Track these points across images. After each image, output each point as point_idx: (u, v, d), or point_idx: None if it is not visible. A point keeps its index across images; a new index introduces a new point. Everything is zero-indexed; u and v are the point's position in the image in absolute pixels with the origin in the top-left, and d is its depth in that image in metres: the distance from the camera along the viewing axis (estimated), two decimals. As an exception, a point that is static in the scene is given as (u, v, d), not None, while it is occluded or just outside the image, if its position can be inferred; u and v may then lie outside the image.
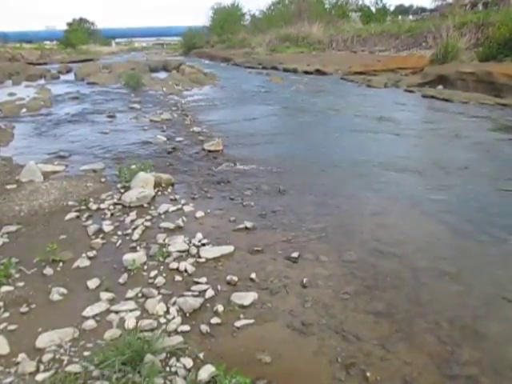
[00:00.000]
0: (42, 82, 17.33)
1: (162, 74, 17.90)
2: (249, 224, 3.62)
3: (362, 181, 4.84)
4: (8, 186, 4.64)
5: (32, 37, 50.26)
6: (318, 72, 16.65)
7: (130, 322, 2.30)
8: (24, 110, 9.95)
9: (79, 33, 50.67)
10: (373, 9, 32.55)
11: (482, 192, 4.44)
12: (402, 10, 35.33)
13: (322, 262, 3.03)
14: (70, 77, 18.65)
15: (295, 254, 3.10)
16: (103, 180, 4.86)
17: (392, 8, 33.63)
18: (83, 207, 4.06)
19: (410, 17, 30.36)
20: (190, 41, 40.60)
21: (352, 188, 4.61)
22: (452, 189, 4.51)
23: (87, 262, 3.06)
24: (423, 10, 31.26)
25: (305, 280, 2.76)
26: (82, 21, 55.20)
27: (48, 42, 52.99)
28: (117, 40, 65.60)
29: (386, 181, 4.80)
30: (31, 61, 29.52)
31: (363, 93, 11.93)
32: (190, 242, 3.29)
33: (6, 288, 2.70)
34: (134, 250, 3.23)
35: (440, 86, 11.75)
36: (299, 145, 6.70)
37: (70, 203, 4.15)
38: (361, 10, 33.33)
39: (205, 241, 3.32)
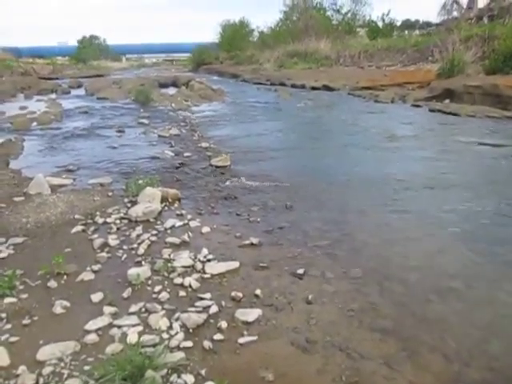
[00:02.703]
0: (53, 96, 17.58)
1: (172, 90, 18.09)
2: (255, 240, 3.61)
3: (369, 197, 4.82)
4: (16, 198, 4.68)
5: (44, 52, 51.21)
6: (326, 87, 16.75)
7: (132, 337, 2.29)
8: (35, 123, 10.09)
9: (90, 49, 51.62)
10: (380, 24, 32.78)
11: (492, 208, 4.39)
12: (409, 25, 35.54)
13: (327, 279, 3.00)
14: (81, 92, 18.94)
15: (301, 271, 3.08)
16: (110, 194, 4.89)
17: (398, 23, 33.82)
18: (89, 221, 4.08)
19: (417, 31, 30.52)
20: (199, 57, 41.13)
21: (359, 204, 4.59)
22: (464, 205, 4.46)
23: (92, 276, 3.06)
24: (429, 24, 31.43)
25: (310, 296, 2.74)
26: (92, 38, 56.24)
27: (60, 58, 53.93)
28: (127, 56, 66.67)
29: (395, 197, 4.77)
30: (43, 75, 30.09)
31: (370, 108, 11.96)
32: (196, 258, 3.28)
33: (9, 299, 2.70)
34: (138, 264, 3.23)
35: (447, 100, 11.75)
36: (307, 160, 6.70)
37: (77, 216, 4.18)
38: (368, 25, 33.59)
39: (210, 256, 3.31)
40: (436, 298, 2.76)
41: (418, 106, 11.78)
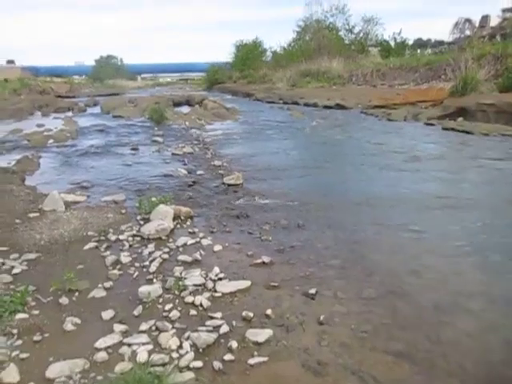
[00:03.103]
0: (69, 114, 17.93)
1: (186, 109, 18.31)
2: (266, 259, 3.59)
3: (383, 216, 4.77)
4: (31, 215, 4.75)
5: (62, 71, 52.33)
6: (339, 106, 16.78)
7: (142, 356, 2.27)
8: (51, 140, 10.29)
9: (107, 68, 52.66)
10: (392, 43, 32.96)
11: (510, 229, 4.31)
12: (421, 44, 35.61)
13: (339, 299, 2.96)
14: (97, 110, 19.26)
15: (313, 291, 3.04)
16: (123, 211, 4.93)
17: (410, 42, 33.97)
18: (102, 237, 4.11)
19: (429, 50, 30.58)
20: (213, 76, 41.63)
21: (373, 224, 4.53)
22: (482, 226, 4.39)
23: (103, 293, 3.07)
24: (441, 43, 31.49)
25: (322, 317, 2.70)
26: (109, 57, 57.48)
27: (77, 77, 55.12)
28: (143, 75, 67.78)
29: (410, 217, 4.70)
30: (60, 94, 30.73)
31: (383, 126, 11.94)
32: (207, 276, 3.28)
33: (21, 315, 2.72)
34: (150, 282, 3.23)
35: (460, 118, 11.68)
36: (320, 179, 6.69)
37: (90, 233, 4.21)
38: (380, 44, 33.79)
39: (221, 275, 3.29)
40: (452, 320, 2.70)
41: (431, 124, 11.72)
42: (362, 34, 34.31)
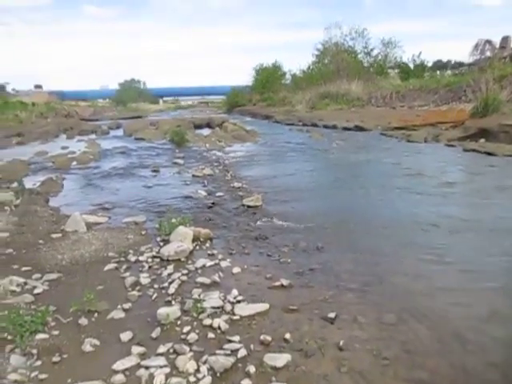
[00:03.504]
0: (93, 136, 18.38)
1: (206, 131, 18.58)
2: (285, 282, 3.56)
3: (403, 240, 4.68)
4: (53, 235, 4.84)
5: (87, 95, 54.00)
6: (358, 128, 16.77)
7: (159, 379, 2.26)
8: (74, 162, 10.55)
9: (130, 92, 54.06)
10: (411, 65, 32.99)
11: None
12: (440, 66, 35.51)
13: (359, 324, 2.90)
14: (119, 132, 19.69)
15: (332, 315, 2.99)
16: (144, 232, 4.98)
17: (430, 64, 33.93)
18: (122, 259, 4.15)
19: (449, 72, 30.47)
20: (233, 99, 42.26)
21: (393, 247, 4.46)
22: (507, 252, 4.28)
23: (122, 314, 3.08)
24: (461, 64, 31.33)
25: (341, 342, 2.64)
26: (132, 81, 59.05)
27: (101, 100, 56.72)
28: (164, 98, 69.31)
29: (432, 241, 4.59)
30: (85, 117, 31.61)
31: (403, 148, 11.85)
32: (225, 299, 3.26)
33: (41, 336, 2.75)
34: (169, 304, 3.23)
35: (482, 140, 11.51)
36: (339, 201, 6.65)
37: (110, 254, 4.26)
38: (399, 66, 33.85)
39: (240, 297, 3.28)
40: (476, 348, 2.62)
41: (451, 145, 11.58)
42: (380, 57, 34.48)
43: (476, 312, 3.07)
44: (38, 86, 56.28)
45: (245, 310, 3.09)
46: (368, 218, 5.58)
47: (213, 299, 3.24)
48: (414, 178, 7.81)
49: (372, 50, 34.50)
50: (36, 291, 3.43)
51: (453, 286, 3.50)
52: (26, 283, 3.55)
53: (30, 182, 7.91)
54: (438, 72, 31.58)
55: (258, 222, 5.40)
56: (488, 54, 25.42)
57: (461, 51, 32.66)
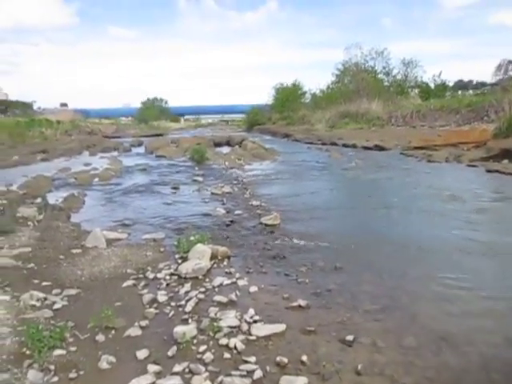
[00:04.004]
0: (115, 153, 18.71)
1: (226, 149, 18.74)
2: (302, 302, 3.52)
3: (423, 262, 4.60)
4: (74, 251, 4.92)
5: (110, 113, 55.16)
6: (378, 147, 16.67)
7: (175, 400, 2.24)
8: (96, 179, 10.75)
9: (152, 110, 55.07)
10: (431, 85, 32.86)
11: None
12: (462, 85, 35.28)
13: (378, 348, 2.84)
14: (141, 150, 20.02)
15: (350, 337, 2.94)
16: (162, 250, 5.01)
17: (451, 84, 33.74)
18: (141, 275, 4.18)
19: (470, 91, 30.21)
20: (253, 118, 42.59)
21: (413, 269, 4.38)
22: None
23: (139, 332, 3.08)
24: (483, 84, 31.06)
25: (359, 366, 2.59)
26: (154, 100, 60.21)
27: (124, 118, 57.84)
28: (185, 117, 70.31)
29: (452, 264, 4.50)
30: (107, 134, 32.27)
31: (424, 168, 11.72)
32: (242, 318, 3.24)
33: (59, 351, 2.77)
34: (185, 322, 3.23)
35: (505, 161, 11.26)
36: (357, 221, 6.59)
37: (129, 271, 4.30)
38: (419, 86, 33.74)
39: (257, 317, 3.25)
40: (500, 377, 2.53)
41: (473, 166, 11.39)
42: (400, 76, 34.44)
43: (502, 339, 2.97)
44: (63, 104, 57.96)
45: (261, 330, 3.06)
46: (387, 238, 5.50)
47: (229, 318, 3.22)
48: (436, 199, 7.69)
49: (392, 69, 34.53)
50: (55, 306, 3.47)
51: (476, 311, 3.41)
52: (45, 298, 3.59)
53: (53, 198, 8.08)
54: (460, 92, 31.36)
55: (276, 241, 5.38)
56: (511, 73, 25.18)
57: (483, 71, 32.53)
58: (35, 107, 47.44)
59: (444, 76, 33.08)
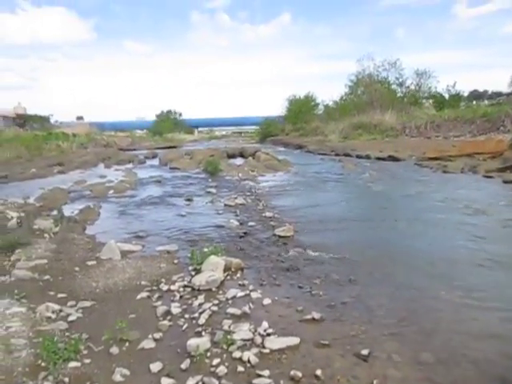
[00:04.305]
0: (129, 166, 18.91)
1: (239, 161, 18.81)
2: (316, 315, 3.49)
3: (441, 276, 4.50)
4: (89, 263, 4.96)
5: (125, 126, 55.92)
6: (392, 158, 16.57)
7: (189, 414, 2.23)
8: (111, 191, 10.85)
9: (166, 122, 55.73)
10: (446, 95, 32.66)
11: None
12: (477, 95, 34.97)
13: (394, 362, 2.79)
14: (155, 162, 20.20)
15: (365, 351, 2.90)
16: (176, 261, 5.03)
17: (466, 94, 33.50)
18: (154, 287, 4.20)
19: (486, 102, 29.90)
20: (266, 129, 42.76)
21: (430, 283, 4.29)
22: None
23: (152, 344, 3.09)
24: (499, 94, 30.74)
25: (375, 382, 2.55)
26: (169, 112, 60.96)
27: (139, 131, 58.58)
28: (199, 129, 70.94)
29: (472, 279, 4.40)
30: (122, 147, 32.69)
31: (439, 178, 11.60)
32: (256, 331, 3.22)
33: (73, 364, 2.79)
34: (199, 334, 3.22)
35: (523, 171, 11.12)
36: (372, 233, 6.52)
37: (143, 283, 4.32)
38: (433, 97, 33.57)
39: (270, 330, 3.23)
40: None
41: (490, 177, 11.23)
42: (414, 87, 34.31)
43: (520, 353, 2.90)
44: (79, 118, 58.91)
45: (275, 343, 3.03)
46: (403, 250, 5.44)
47: (243, 331, 3.21)
48: (452, 211, 7.58)
49: (405, 80, 34.43)
50: (70, 318, 3.50)
51: (497, 329, 3.33)
52: (61, 310, 3.63)
53: (69, 210, 8.18)
54: (475, 102, 31.08)
55: (290, 253, 5.36)
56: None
57: (498, 81, 32.34)
58: (52, 121, 48.22)
59: (458, 86, 32.79)
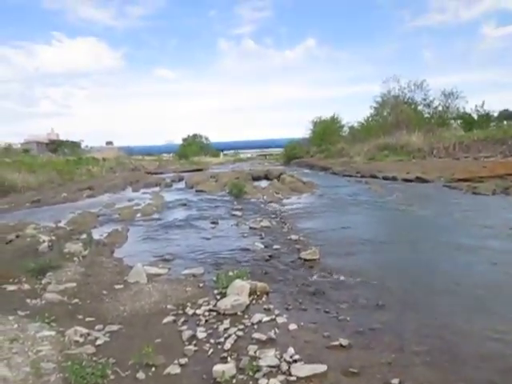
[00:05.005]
0: (156, 189, 19.23)
1: (264, 183, 18.87)
2: (344, 341, 3.41)
3: (474, 302, 4.33)
4: (116, 286, 5.02)
5: (153, 150, 57.25)
6: (419, 179, 16.30)
7: None
8: (139, 214, 11.03)
9: (193, 146, 56.75)
10: (474, 116, 32.11)
11: None
12: (507, 115, 34.12)
13: (426, 393, 2.69)
14: (181, 185, 20.48)
15: (395, 381, 2.80)
16: (201, 285, 5.03)
17: (496, 114, 32.78)
18: (180, 311, 4.21)
19: (517, 121, 29.19)
20: (291, 151, 42.95)
21: (462, 309, 4.15)
22: None
23: (178, 370, 3.07)
24: (532, 113, 29.98)
25: (406, 413, 2.46)
26: (195, 136, 62.11)
27: (166, 154, 59.81)
28: (225, 152, 71.90)
29: (507, 307, 4.21)
30: (150, 170, 33.42)
31: (469, 200, 11.31)
32: (282, 357, 3.17)
33: (100, 389, 2.79)
34: (224, 360, 3.19)
35: (559, 193, 10.74)
36: (399, 256, 6.39)
37: (169, 306, 4.33)
38: (461, 117, 33.08)
39: (296, 357, 3.17)
40: None
41: (524, 198, 10.90)
42: (441, 108, 33.91)
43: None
44: (109, 143, 60.69)
45: (301, 370, 2.97)
46: (431, 275, 5.29)
47: (269, 357, 3.16)
48: (482, 235, 7.36)
49: (432, 101, 34.08)
50: (98, 342, 3.53)
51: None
52: (89, 334, 3.66)
53: (98, 234, 8.35)
54: (505, 122, 30.41)
55: (315, 277, 5.29)
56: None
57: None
58: (83, 146, 49.90)
59: (488, 106, 32.22)
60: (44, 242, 6.97)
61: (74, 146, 46.53)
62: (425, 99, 34.39)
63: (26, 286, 5.03)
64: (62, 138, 51.89)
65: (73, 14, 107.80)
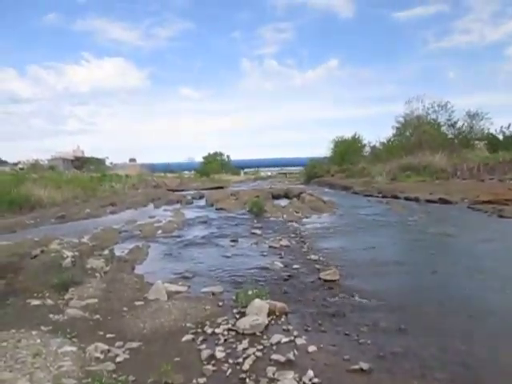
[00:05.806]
0: (177, 206, 19.40)
1: (284, 202, 18.85)
2: (365, 365, 3.35)
3: (497, 329, 4.21)
4: (137, 303, 5.07)
5: (174, 167, 57.99)
6: (442, 201, 16.03)
7: None
8: (160, 231, 11.15)
9: (213, 164, 57.31)
10: (500, 137, 31.57)
11: None
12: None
13: (449, 422, 2.62)
14: (202, 202, 20.62)
15: (417, 408, 2.74)
16: (221, 304, 5.03)
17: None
18: (199, 330, 4.21)
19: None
20: (311, 170, 42.93)
21: (486, 335, 4.04)
22: None
23: (196, 389, 3.07)
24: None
25: None
26: (216, 154, 62.75)
27: (187, 172, 60.52)
28: (245, 170, 72.33)
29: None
30: (171, 188, 33.77)
31: (494, 224, 11.05)
32: (301, 380, 3.14)
33: (120, 408, 2.80)
34: (243, 381, 3.18)
35: None
36: (421, 279, 6.26)
37: (188, 325, 4.35)
38: (486, 138, 32.55)
39: (316, 380, 3.14)
40: None
41: (551, 221, 10.60)
42: (465, 129, 33.43)
43: None
44: (132, 160, 61.82)
45: (321, 394, 2.94)
46: (454, 299, 5.16)
47: (287, 379, 3.14)
48: (508, 260, 7.18)
49: (456, 122, 33.65)
50: (118, 359, 3.56)
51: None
52: (109, 350, 3.70)
53: (119, 250, 8.46)
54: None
55: (335, 298, 5.24)
56: None
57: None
58: (107, 162, 51.02)
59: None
60: (67, 257, 7.09)
61: (99, 162, 47.62)
62: (449, 119, 34.03)
63: (49, 301, 5.13)
64: (87, 154, 53.18)
65: (102, 34, 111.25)
